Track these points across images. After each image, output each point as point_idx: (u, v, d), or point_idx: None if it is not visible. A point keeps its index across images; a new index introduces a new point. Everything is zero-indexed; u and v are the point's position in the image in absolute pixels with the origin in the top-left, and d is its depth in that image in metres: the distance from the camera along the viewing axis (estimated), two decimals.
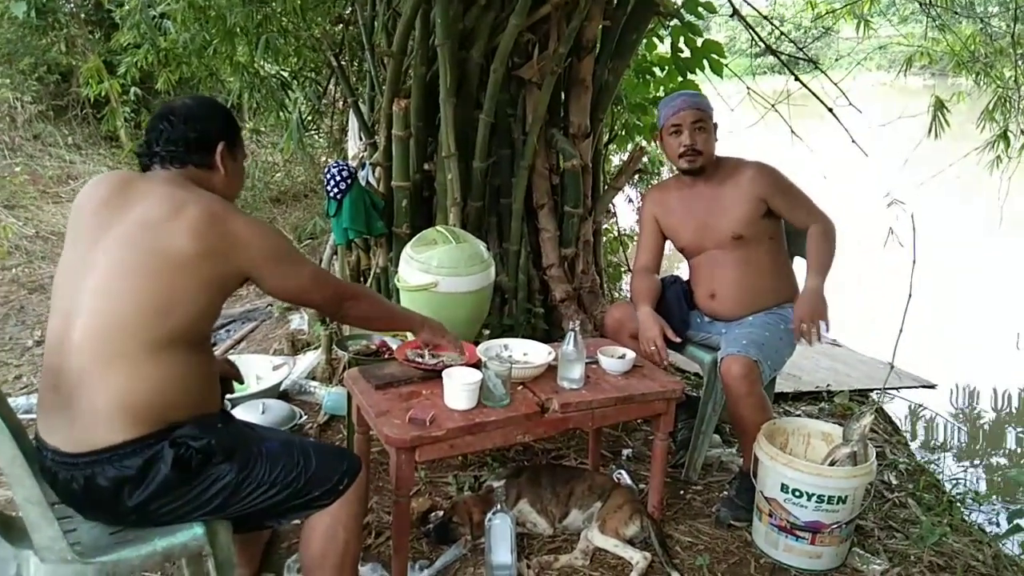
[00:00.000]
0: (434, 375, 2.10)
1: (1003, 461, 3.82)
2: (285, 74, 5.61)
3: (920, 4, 4.76)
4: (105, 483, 1.51)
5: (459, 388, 1.97)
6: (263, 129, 7.69)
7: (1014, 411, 4.35)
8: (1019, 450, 3.96)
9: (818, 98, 4.13)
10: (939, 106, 4.35)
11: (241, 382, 2.13)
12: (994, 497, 3.24)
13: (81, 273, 1.58)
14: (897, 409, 3.90)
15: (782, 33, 4.94)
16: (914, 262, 2.53)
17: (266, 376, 3.32)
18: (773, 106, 4.30)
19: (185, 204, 1.60)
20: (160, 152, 1.71)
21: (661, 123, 2.63)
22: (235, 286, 1.71)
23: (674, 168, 2.72)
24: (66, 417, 1.53)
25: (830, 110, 4.07)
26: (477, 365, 2.10)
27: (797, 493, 2.17)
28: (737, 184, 2.57)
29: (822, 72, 4.43)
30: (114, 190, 1.66)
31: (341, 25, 4.47)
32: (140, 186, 1.66)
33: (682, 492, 2.64)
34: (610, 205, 4.54)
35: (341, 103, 5.25)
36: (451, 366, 2.10)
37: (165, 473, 1.52)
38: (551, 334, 3.49)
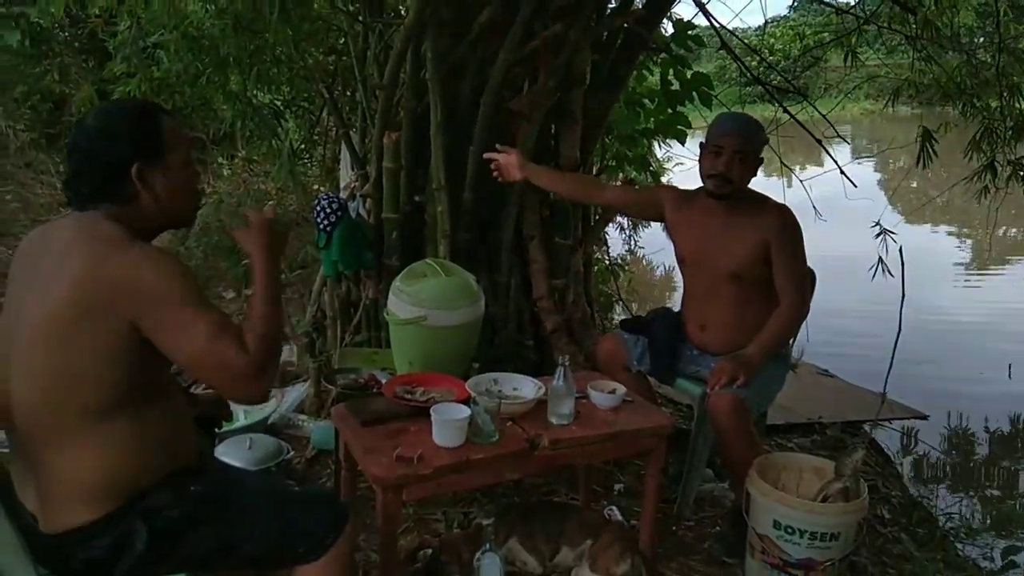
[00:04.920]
0: (422, 411, 2.08)
1: (996, 493, 3.80)
2: (278, 103, 5.63)
3: (906, 37, 4.80)
4: (79, 566, 1.42)
5: (447, 425, 1.95)
6: (256, 158, 7.70)
7: (1007, 442, 4.34)
8: (1012, 481, 3.94)
9: (806, 130, 4.16)
10: (926, 136, 4.38)
11: (229, 419, 2.09)
12: (988, 531, 3.21)
13: (9, 340, 1.42)
14: (889, 441, 3.88)
15: (770, 65, 4.99)
16: (903, 295, 2.53)
17: (253, 409, 3.28)
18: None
19: (69, 253, 1.36)
20: (72, 191, 1.49)
21: (706, 137, 2.53)
22: (141, 340, 1.36)
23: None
24: (34, 488, 1.44)
25: (819, 141, 4.10)
26: (466, 401, 2.08)
27: (789, 530, 2.15)
28: (752, 220, 2.48)
29: (810, 104, 4.47)
30: (33, 245, 1.52)
31: (334, 56, 4.50)
32: (51, 236, 1.48)
33: (674, 528, 2.61)
34: (601, 235, 4.54)
35: (333, 133, 5.27)
36: (440, 402, 2.08)
37: (140, 550, 1.41)
38: (541, 366, 3.46)
